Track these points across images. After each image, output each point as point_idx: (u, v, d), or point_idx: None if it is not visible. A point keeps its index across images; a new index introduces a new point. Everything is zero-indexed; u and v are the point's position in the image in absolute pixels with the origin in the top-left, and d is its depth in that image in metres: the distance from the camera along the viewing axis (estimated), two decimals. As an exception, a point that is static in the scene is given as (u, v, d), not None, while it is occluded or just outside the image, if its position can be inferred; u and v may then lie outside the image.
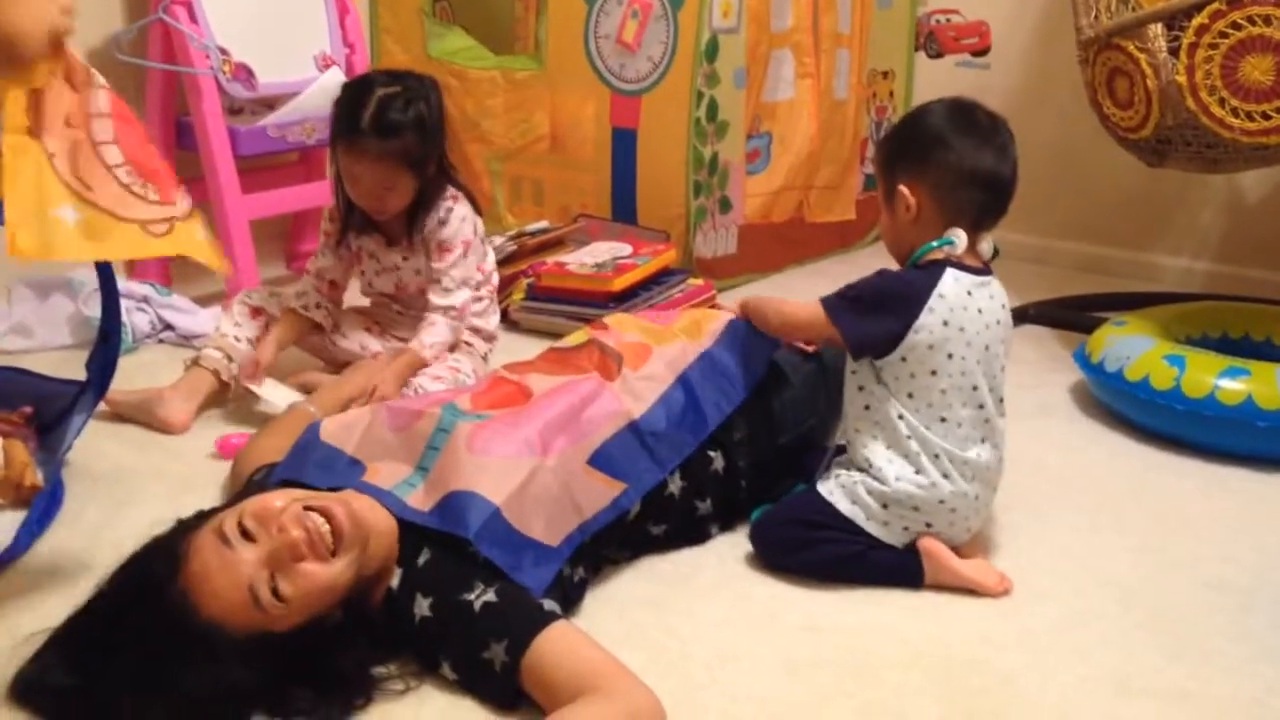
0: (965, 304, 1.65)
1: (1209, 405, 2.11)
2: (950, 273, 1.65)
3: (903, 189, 1.67)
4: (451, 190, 2.28)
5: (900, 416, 1.65)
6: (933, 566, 1.67)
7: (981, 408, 1.67)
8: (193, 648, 1.26)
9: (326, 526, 1.36)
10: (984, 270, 1.70)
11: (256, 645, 1.29)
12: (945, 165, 1.65)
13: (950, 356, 1.64)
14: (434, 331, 2.24)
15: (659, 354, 1.78)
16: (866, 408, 1.68)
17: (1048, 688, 1.46)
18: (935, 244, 1.67)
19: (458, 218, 2.26)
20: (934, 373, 1.64)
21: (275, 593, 1.30)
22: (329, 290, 2.36)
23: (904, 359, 1.64)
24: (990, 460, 1.69)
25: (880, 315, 1.64)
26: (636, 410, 1.68)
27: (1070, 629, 1.59)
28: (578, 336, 1.85)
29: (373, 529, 1.41)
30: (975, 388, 1.66)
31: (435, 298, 2.26)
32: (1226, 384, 2.11)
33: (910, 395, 1.65)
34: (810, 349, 1.90)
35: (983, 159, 1.65)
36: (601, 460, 1.61)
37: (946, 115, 1.70)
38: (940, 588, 1.67)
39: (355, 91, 2.18)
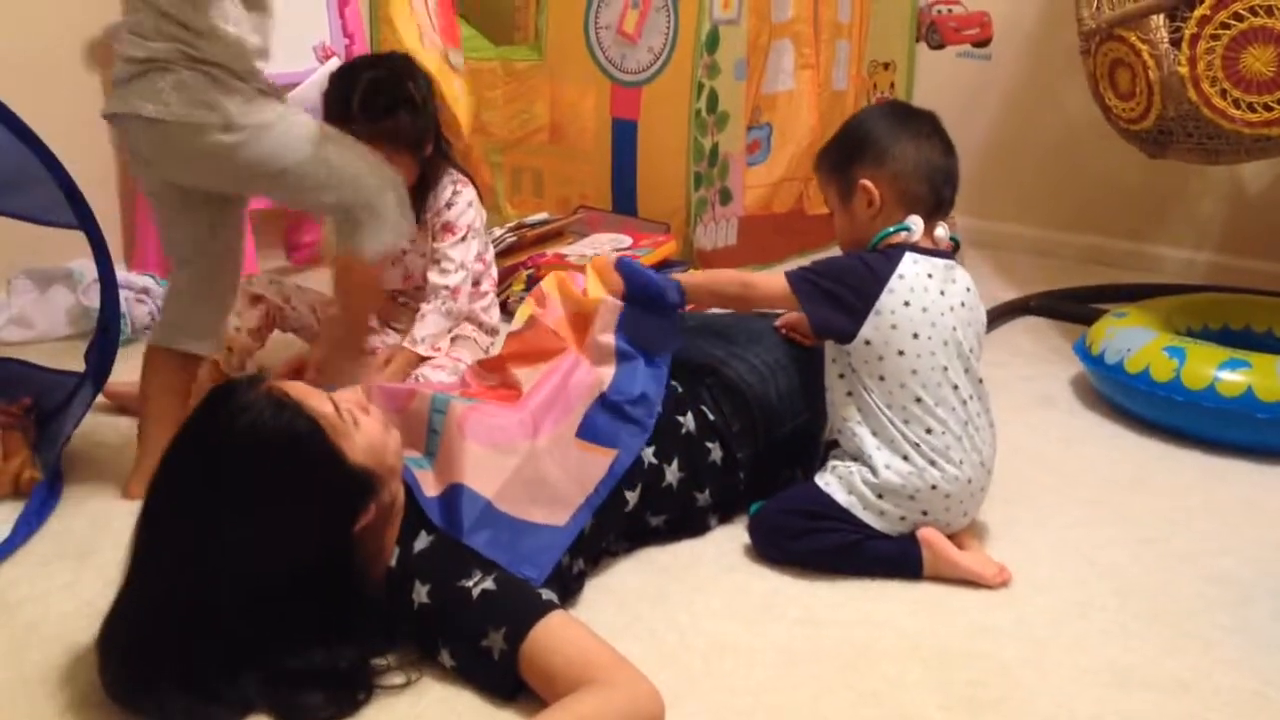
0: (926, 285, 1.68)
1: (1209, 397, 2.11)
2: (909, 255, 1.69)
3: (865, 183, 1.72)
4: (457, 175, 2.28)
5: (877, 404, 1.67)
6: (932, 558, 1.67)
7: (956, 389, 1.68)
8: (285, 418, 1.33)
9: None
10: (945, 255, 1.73)
11: (331, 456, 1.35)
12: (904, 156, 1.72)
13: (915, 337, 1.66)
14: (425, 325, 2.24)
15: (595, 322, 1.77)
16: (849, 394, 1.71)
17: (1047, 679, 1.46)
18: (893, 229, 1.71)
19: (464, 201, 2.26)
20: (901, 353, 1.66)
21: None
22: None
23: (868, 341, 1.67)
24: (977, 444, 1.69)
25: (842, 297, 1.68)
26: (605, 379, 1.70)
27: (1069, 621, 1.60)
28: (524, 311, 1.82)
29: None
30: (946, 368, 1.67)
31: (433, 276, 2.26)
32: (1227, 376, 2.11)
33: (882, 378, 1.67)
34: (808, 343, 1.90)
35: (935, 149, 1.74)
36: (588, 431, 1.63)
37: (890, 114, 1.79)
38: (939, 579, 1.67)
39: (342, 78, 2.19)
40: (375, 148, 2.13)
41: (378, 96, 2.13)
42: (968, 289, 1.74)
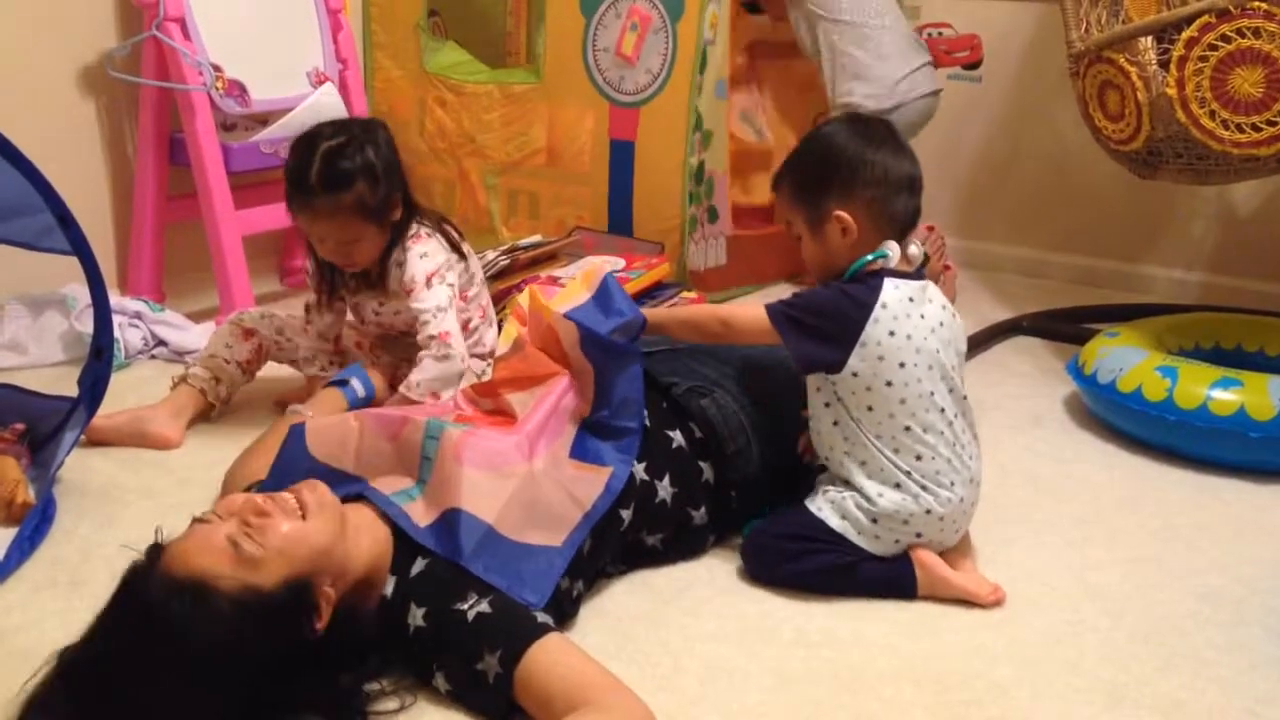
0: (908, 311, 1.66)
1: (1201, 416, 2.11)
2: (889, 281, 1.66)
3: (840, 214, 1.67)
4: (414, 230, 2.21)
5: (865, 435, 1.66)
6: (926, 578, 1.67)
7: (943, 411, 1.67)
8: (190, 607, 1.26)
9: (293, 499, 1.41)
10: (918, 275, 1.71)
11: (251, 600, 1.29)
12: (874, 181, 1.67)
13: (902, 365, 1.64)
14: (421, 370, 2.15)
15: (561, 339, 1.74)
16: (835, 423, 1.69)
17: (1040, 699, 1.46)
18: (870, 257, 1.68)
19: (415, 256, 2.18)
20: (889, 384, 1.64)
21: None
22: (335, 344, 2.35)
23: (856, 374, 1.64)
24: (966, 461, 1.69)
25: (826, 332, 1.65)
26: (587, 400, 1.70)
27: (1063, 640, 1.60)
28: (508, 332, 1.80)
29: (348, 517, 1.45)
30: (933, 393, 1.66)
31: (420, 332, 2.18)
32: (1219, 395, 2.11)
33: (870, 408, 1.65)
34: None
35: (902, 166, 1.69)
36: (579, 452, 1.63)
37: (852, 133, 1.72)
38: (933, 599, 1.67)
39: (300, 151, 2.12)
40: (337, 220, 2.09)
41: (336, 167, 2.07)
42: (943, 306, 1.72)
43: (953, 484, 1.67)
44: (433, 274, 2.19)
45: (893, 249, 1.68)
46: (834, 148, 1.70)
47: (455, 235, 2.29)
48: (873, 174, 1.67)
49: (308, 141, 2.13)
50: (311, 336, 2.33)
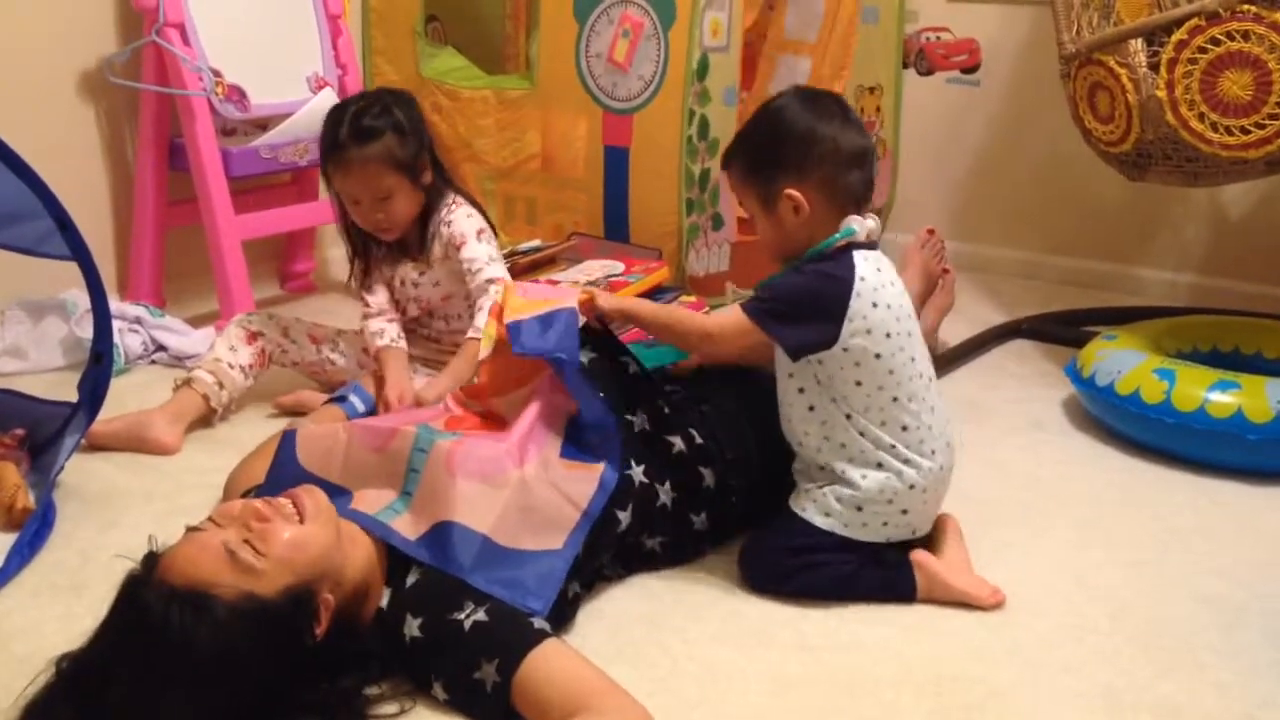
0: (881, 281, 1.65)
1: (1199, 419, 2.12)
2: (858, 254, 1.64)
3: (791, 192, 1.64)
4: (453, 196, 2.30)
5: (849, 416, 1.64)
6: (925, 581, 1.67)
7: (922, 376, 1.67)
8: (189, 616, 1.25)
9: (290, 504, 1.42)
10: (874, 245, 1.69)
11: (251, 609, 1.28)
12: (825, 156, 1.64)
13: (888, 335, 1.63)
14: (483, 314, 2.16)
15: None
16: (811, 409, 1.67)
17: (1039, 703, 1.46)
18: (839, 236, 1.64)
19: (462, 215, 2.27)
20: (878, 355, 1.63)
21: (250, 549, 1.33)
22: (400, 315, 2.37)
23: (846, 349, 1.62)
24: (940, 423, 1.69)
25: (810, 314, 1.63)
26: (571, 404, 1.69)
27: (1062, 643, 1.60)
28: (489, 333, 1.78)
29: (342, 527, 1.45)
30: (914, 359, 1.66)
31: (473, 282, 2.23)
32: (1216, 397, 2.12)
33: (859, 383, 1.63)
34: None
35: (852, 138, 1.66)
36: (569, 451, 1.63)
37: (802, 107, 1.67)
38: (932, 602, 1.67)
39: (332, 115, 2.23)
40: (367, 172, 2.16)
41: (364, 121, 2.17)
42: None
43: (934, 451, 1.67)
44: (481, 230, 2.28)
45: (858, 224, 1.65)
46: (784, 123, 1.66)
47: (488, 217, 2.36)
48: (824, 149, 1.63)
49: (338, 110, 2.25)
50: (375, 315, 2.33)
